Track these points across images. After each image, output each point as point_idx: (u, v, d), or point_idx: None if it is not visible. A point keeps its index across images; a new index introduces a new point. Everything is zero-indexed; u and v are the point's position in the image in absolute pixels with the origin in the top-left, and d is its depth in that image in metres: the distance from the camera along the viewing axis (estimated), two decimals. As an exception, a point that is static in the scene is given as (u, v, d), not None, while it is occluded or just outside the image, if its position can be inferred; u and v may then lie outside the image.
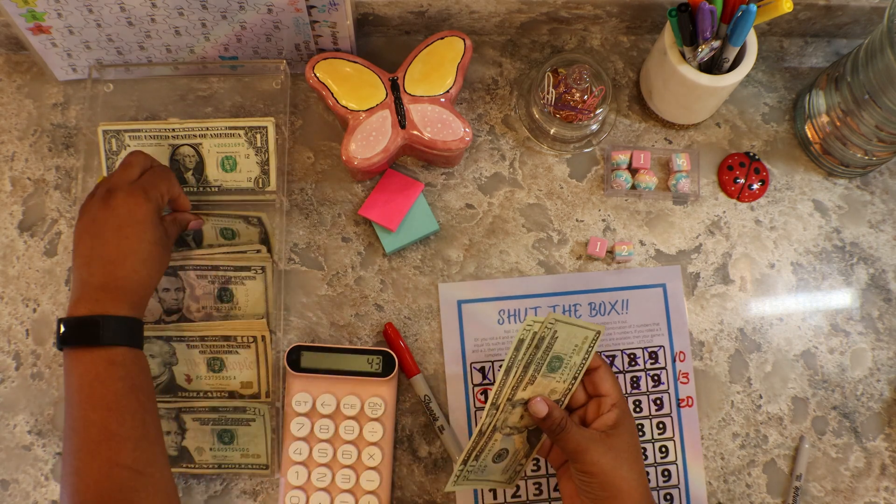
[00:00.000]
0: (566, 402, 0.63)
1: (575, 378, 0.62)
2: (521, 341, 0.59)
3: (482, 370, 0.72)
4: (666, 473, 0.71)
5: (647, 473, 0.71)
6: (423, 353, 0.73)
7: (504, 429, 0.62)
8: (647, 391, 0.73)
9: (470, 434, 0.71)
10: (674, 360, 0.73)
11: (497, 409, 0.60)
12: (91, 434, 0.57)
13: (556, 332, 0.59)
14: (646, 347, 0.73)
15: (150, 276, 0.63)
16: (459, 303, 0.73)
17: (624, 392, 0.72)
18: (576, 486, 0.61)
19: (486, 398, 0.71)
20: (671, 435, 0.72)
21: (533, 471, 0.71)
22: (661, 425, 0.72)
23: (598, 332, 0.61)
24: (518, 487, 0.71)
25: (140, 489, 0.56)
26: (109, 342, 0.58)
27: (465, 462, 0.61)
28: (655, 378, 0.73)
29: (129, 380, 0.59)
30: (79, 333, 0.58)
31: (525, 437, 0.64)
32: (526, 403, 0.61)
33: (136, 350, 0.60)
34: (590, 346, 0.62)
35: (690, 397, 0.72)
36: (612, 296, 0.74)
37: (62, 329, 0.59)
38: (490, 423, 0.61)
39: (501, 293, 0.74)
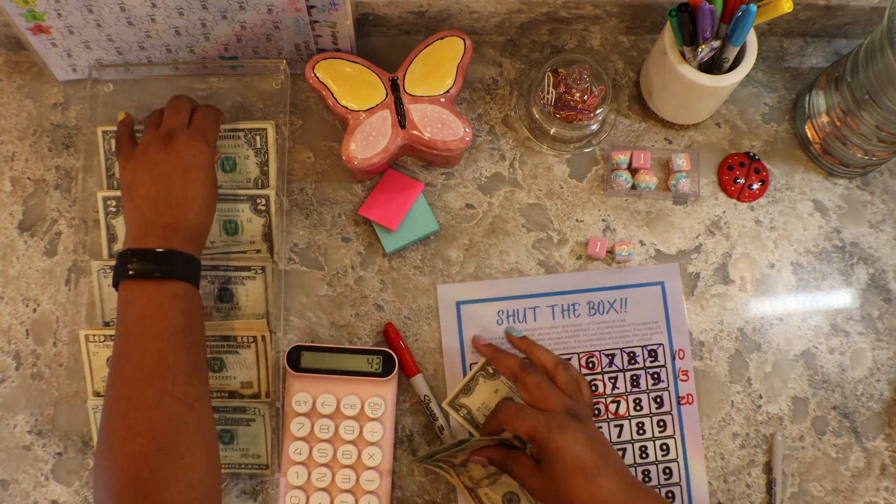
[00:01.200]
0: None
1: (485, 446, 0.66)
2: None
3: None
4: (667, 471, 0.71)
5: (648, 472, 0.71)
6: (423, 354, 0.73)
7: (480, 483, 0.68)
8: (647, 389, 0.73)
9: (470, 434, 0.71)
10: (673, 358, 0.73)
11: (456, 476, 0.68)
12: (147, 363, 0.57)
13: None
14: (645, 346, 0.73)
15: (210, 221, 0.65)
16: (458, 304, 0.73)
17: (624, 390, 0.72)
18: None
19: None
20: (672, 433, 0.72)
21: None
22: (661, 423, 0.72)
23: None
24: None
25: (187, 422, 0.57)
26: (179, 276, 0.60)
27: None
28: (655, 376, 0.73)
29: (189, 315, 0.60)
30: (153, 265, 0.60)
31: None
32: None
33: (195, 288, 0.62)
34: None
35: (690, 395, 0.73)
36: (611, 294, 0.74)
37: (133, 260, 0.60)
38: (463, 482, 0.68)
39: (500, 294, 0.74)
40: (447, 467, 0.68)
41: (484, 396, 0.70)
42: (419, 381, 0.71)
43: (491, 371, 0.71)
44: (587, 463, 0.59)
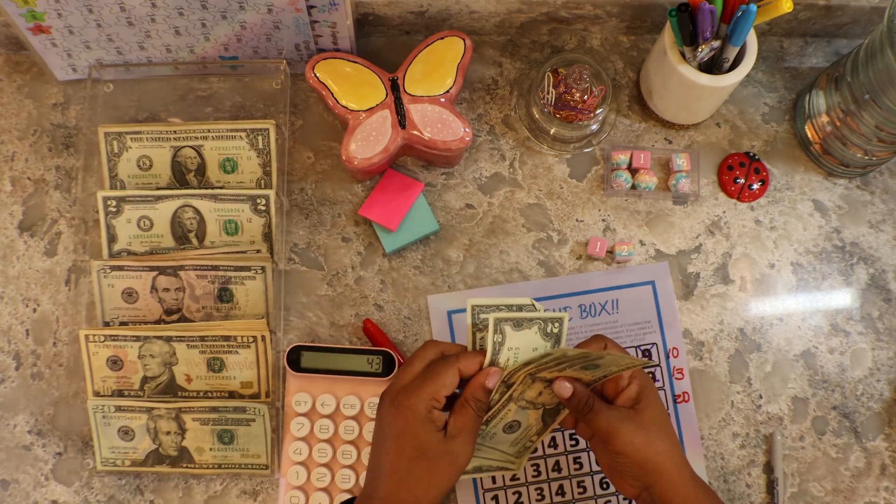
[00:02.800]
0: (592, 386, 0.62)
1: (605, 376, 0.61)
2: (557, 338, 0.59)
3: None
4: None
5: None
6: (423, 353, 0.73)
7: (520, 401, 0.61)
8: (646, 390, 0.72)
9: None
10: (667, 357, 0.73)
11: (515, 383, 0.59)
12: None
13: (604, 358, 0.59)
14: (639, 346, 0.73)
15: (416, 497, 0.56)
16: (449, 313, 0.73)
17: None
18: (612, 464, 0.60)
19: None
20: (670, 433, 0.72)
21: (534, 475, 0.71)
22: (660, 424, 0.72)
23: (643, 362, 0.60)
24: (519, 494, 0.71)
25: None
26: None
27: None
28: (650, 376, 0.73)
29: None
30: None
31: (540, 415, 0.63)
32: (549, 382, 0.60)
33: None
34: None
35: (686, 392, 0.73)
36: (602, 296, 0.74)
37: None
38: (507, 393, 0.60)
39: None
40: (523, 376, 0.60)
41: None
42: None
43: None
44: (668, 418, 0.60)
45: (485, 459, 0.65)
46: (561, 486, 0.71)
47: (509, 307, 0.61)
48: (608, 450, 0.59)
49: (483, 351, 0.59)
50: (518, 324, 0.59)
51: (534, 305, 0.62)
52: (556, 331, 0.60)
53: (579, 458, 0.71)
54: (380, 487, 0.56)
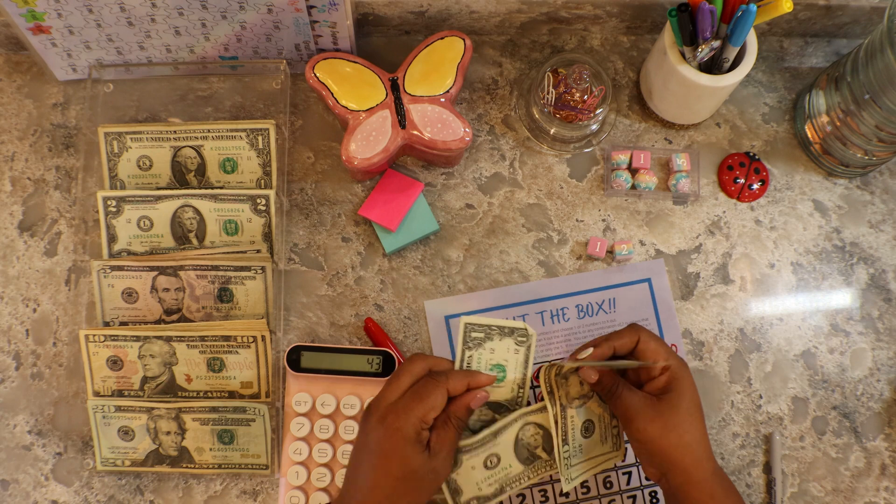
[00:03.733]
0: (525, 398, 0.65)
1: (521, 386, 0.64)
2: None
3: None
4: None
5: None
6: (423, 353, 0.73)
7: (572, 402, 0.62)
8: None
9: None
10: None
11: (555, 389, 0.61)
12: None
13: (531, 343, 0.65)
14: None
15: None
16: (447, 318, 0.73)
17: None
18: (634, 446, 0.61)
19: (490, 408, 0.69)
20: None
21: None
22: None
23: (525, 329, 0.64)
24: (524, 496, 0.71)
25: None
26: None
27: (560, 452, 0.62)
28: None
29: None
30: None
31: (599, 401, 0.64)
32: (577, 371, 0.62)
33: None
34: (523, 351, 0.64)
35: None
36: (599, 296, 0.74)
37: None
38: (556, 405, 0.61)
39: (488, 304, 0.73)
40: (553, 378, 0.62)
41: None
42: None
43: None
44: (700, 406, 0.60)
45: (591, 468, 0.65)
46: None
47: (501, 328, 0.64)
48: (628, 436, 0.60)
49: (470, 371, 0.62)
50: (490, 337, 0.63)
51: (526, 329, 0.64)
52: (524, 339, 0.64)
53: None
54: (359, 499, 0.57)
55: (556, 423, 0.61)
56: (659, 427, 0.58)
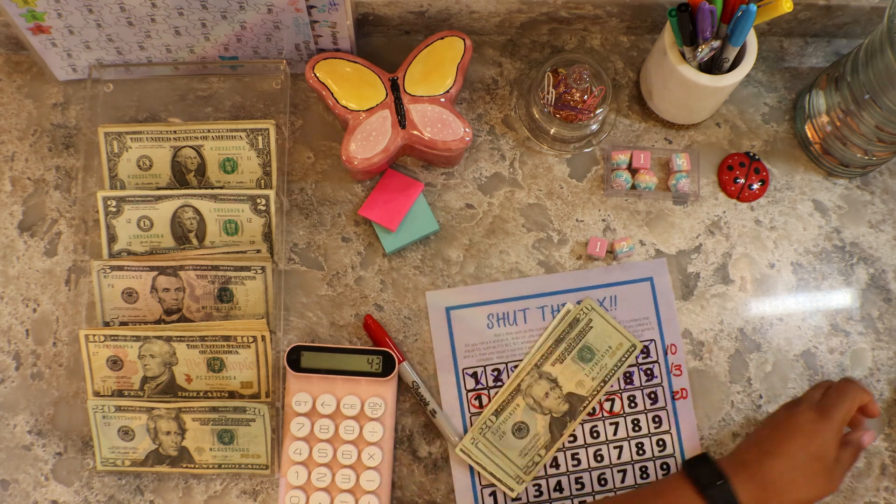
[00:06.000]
0: (592, 403, 0.67)
1: (604, 382, 0.64)
2: (560, 317, 0.68)
3: (475, 375, 0.72)
4: (665, 467, 0.72)
5: (646, 468, 0.71)
6: (422, 353, 0.73)
7: (527, 397, 0.65)
8: (641, 386, 0.72)
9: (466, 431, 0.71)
10: (665, 353, 0.73)
11: (523, 372, 0.65)
12: None
13: (590, 320, 0.68)
14: None
15: (803, 494, 0.63)
16: (448, 309, 0.73)
17: (618, 387, 0.72)
18: None
19: (481, 403, 0.71)
20: (668, 428, 0.72)
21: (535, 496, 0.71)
22: (656, 419, 0.72)
23: (634, 346, 0.64)
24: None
25: None
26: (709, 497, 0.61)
27: (484, 419, 0.66)
28: (648, 372, 0.73)
29: None
30: (703, 478, 0.63)
31: (548, 424, 0.65)
32: (553, 382, 0.63)
33: None
34: (624, 356, 0.67)
35: (684, 389, 0.73)
36: (600, 293, 0.74)
37: (695, 463, 0.65)
38: (515, 383, 0.66)
39: (489, 297, 0.73)
40: (525, 366, 0.68)
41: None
42: (406, 369, 0.71)
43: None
44: None
45: (492, 464, 0.67)
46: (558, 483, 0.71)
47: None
48: None
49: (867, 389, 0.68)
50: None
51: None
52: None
53: (581, 478, 0.71)
54: (771, 463, 0.63)
55: (504, 391, 0.66)
56: (825, 484, 0.64)
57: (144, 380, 0.71)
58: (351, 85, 0.71)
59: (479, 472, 0.70)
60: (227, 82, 0.77)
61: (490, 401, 0.71)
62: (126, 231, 0.72)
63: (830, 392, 0.67)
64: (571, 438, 0.71)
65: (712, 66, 0.70)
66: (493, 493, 0.71)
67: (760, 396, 0.73)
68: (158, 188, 0.73)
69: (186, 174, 0.73)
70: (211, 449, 0.70)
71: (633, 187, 0.76)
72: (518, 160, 0.77)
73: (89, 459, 0.71)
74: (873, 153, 0.73)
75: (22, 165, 0.76)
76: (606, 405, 0.72)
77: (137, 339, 0.70)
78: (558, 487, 0.71)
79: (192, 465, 0.70)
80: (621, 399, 0.72)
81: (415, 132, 0.69)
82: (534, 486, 0.71)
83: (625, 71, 0.79)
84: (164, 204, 0.71)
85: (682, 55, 0.69)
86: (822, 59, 0.80)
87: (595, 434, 0.72)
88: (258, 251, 0.72)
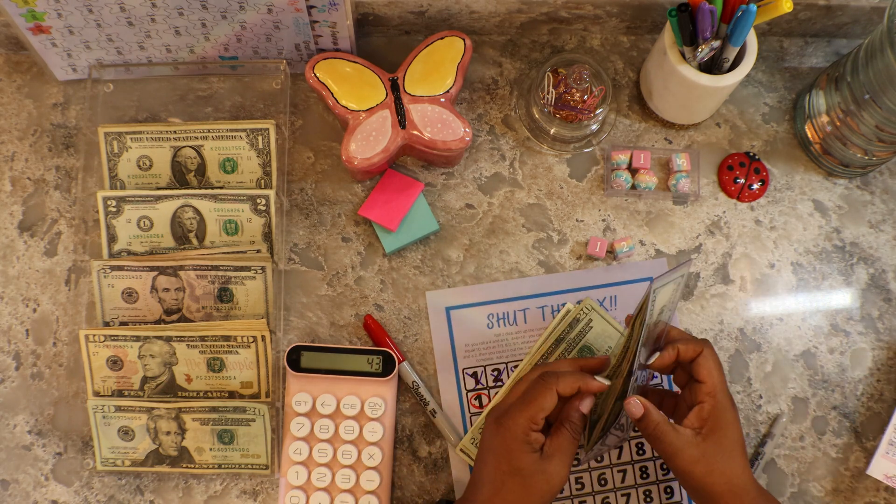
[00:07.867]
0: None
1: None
2: (560, 317, 0.69)
3: (475, 375, 0.72)
4: (664, 466, 0.71)
5: (646, 469, 0.71)
6: (422, 353, 0.73)
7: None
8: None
9: (466, 429, 0.71)
10: None
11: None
12: None
13: (590, 320, 0.69)
14: None
15: None
16: (448, 309, 0.73)
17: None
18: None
19: (481, 403, 0.71)
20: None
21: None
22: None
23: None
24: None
25: None
26: None
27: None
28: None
29: None
30: None
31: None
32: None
33: None
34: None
35: None
36: (600, 293, 0.74)
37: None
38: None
39: (489, 297, 0.73)
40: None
41: None
42: (406, 369, 0.71)
43: None
44: (742, 440, 0.60)
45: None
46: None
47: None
48: (671, 469, 0.61)
49: (583, 374, 0.61)
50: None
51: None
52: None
53: (581, 478, 0.71)
54: (478, 494, 0.60)
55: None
56: (703, 467, 0.58)
57: (144, 380, 0.71)
58: (351, 85, 0.71)
59: None
60: (227, 82, 0.77)
61: (490, 401, 0.72)
62: (126, 231, 0.72)
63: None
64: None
65: (712, 66, 0.70)
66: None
67: (760, 396, 0.73)
68: (158, 188, 0.73)
69: (186, 174, 0.73)
70: (211, 449, 0.70)
71: (633, 187, 0.76)
72: (518, 160, 0.77)
73: (89, 459, 0.71)
74: (873, 153, 0.73)
75: (22, 165, 0.76)
76: (606, 405, 0.72)
77: (137, 339, 0.70)
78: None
79: (192, 465, 0.70)
80: (621, 399, 0.72)
81: (415, 132, 0.69)
82: None
83: (625, 71, 0.79)
84: (164, 204, 0.71)
85: (682, 55, 0.69)
86: (822, 59, 0.80)
87: (595, 434, 0.72)
88: (258, 251, 0.72)
